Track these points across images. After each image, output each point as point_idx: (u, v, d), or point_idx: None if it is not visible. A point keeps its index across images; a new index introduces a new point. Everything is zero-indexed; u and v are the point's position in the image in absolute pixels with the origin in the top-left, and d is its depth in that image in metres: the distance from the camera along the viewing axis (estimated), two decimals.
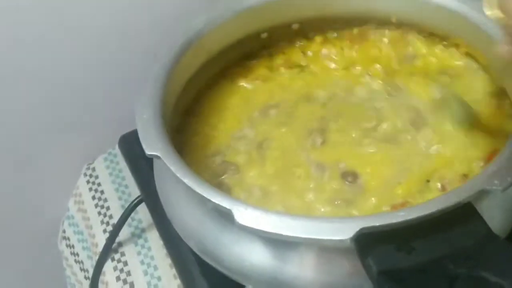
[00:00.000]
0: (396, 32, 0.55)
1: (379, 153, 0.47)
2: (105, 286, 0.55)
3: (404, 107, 0.50)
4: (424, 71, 0.53)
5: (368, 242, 0.35)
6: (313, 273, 0.39)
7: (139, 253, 0.56)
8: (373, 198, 0.44)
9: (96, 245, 0.58)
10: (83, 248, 0.62)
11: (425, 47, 0.54)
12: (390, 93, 0.52)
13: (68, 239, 0.65)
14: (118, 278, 0.55)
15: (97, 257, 0.57)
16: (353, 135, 0.49)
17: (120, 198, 0.61)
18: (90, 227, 0.60)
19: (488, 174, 0.37)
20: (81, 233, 0.63)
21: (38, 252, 0.74)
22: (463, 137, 0.47)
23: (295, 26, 0.56)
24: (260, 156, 0.48)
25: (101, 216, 0.60)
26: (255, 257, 0.40)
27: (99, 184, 0.63)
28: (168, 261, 0.54)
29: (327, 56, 0.56)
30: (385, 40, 0.56)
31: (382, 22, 0.56)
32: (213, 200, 0.38)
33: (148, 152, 0.41)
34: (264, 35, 0.56)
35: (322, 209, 0.44)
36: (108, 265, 0.56)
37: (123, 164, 0.63)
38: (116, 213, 0.59)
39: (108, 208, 0.60)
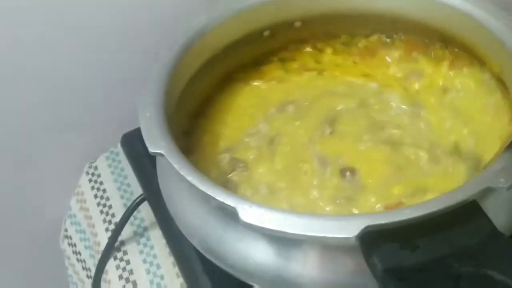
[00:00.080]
0: (403, 48, 0.55)
1: (380, 153, 0.47)
2: (107, 285, 0.55)
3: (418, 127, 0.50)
4: (430, 89, 0.52)
5: (372, 240, 0.35)
6: (317, 271, 0.39)
7: (141, 252, 0.56)
8: (372, 196, 0.44)
9: (99, 244, 0.58)
10: (85, 247, 0.62)
11: (430, 67, 0.54)
12: (408, 107, 0.51)
13: (70, 237, 0.65)
14: (120, 277, 0.55)
15: (99, 256, 0.57)
16: (361, 127, 0.49)
17: (122, 197, 0.61)
18: (92, 226, 0.60)
19: (493, 172, 0.37)
20: (83, 231, 0.63)
21: (40, 251, 0.74)
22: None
23: (297, 24, 0.56)
24: (270, 151, 0.48)
25: (103, 215, 0.60)
26: (259, 255, 0.40)
27: (101, 183, 0.63)
28: (171, 259, 0.54)
29: (342, 65, 0.56)
30: (393, 56, 0.55)
31: (387, 27, 0.55)
32: (218, 198, 0.38)
33: (152, 150, 0.41)
34: (267, 33, 0.56)
35: (327, 208, 0.44)
36: (111, 264, 0.56)
37: (125, 163, 0.62)
38: (119, 212, 0.59)
39: (110, 207, 0.60)
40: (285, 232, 0.36)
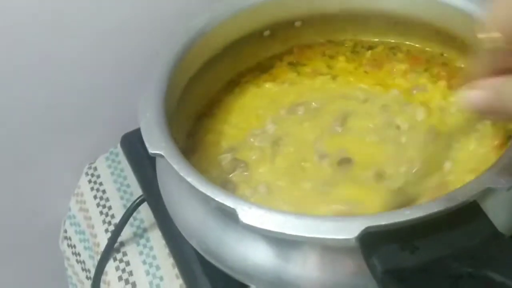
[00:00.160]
0: (407, 61, 0.55)
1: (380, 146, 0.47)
2: (107, 286, 0.55)
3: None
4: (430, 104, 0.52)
5: (372, 241, 0.35)
6: (316, 272, 0.39)
7: (141, 253, 0.56)
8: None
9: (98, 245, 0.58)
10: (85, 248, 0.62)
11: (431, 83, 0.53)
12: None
13: (70, 239, 0.65)
14: (120, 278, 0.55)
15: (98, 257, 0.57)
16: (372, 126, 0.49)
17: (122, 198, 0.61)
18: (92, 227, 0.60)
19: (494, 172, 0.37)
20: (82, 232, 0.63)
21: (39, 252, 0.74)
22: None
23: (298, 24, 0.56)
24: (273, 151, 0.48)
25: (103, 216, 0.60)
26: (258, 256, 0.39)
27: (100, 184, 0.63)
28: (171, 260, 0.54)
29: (354, 73, 0.56)
30: (399, 68, 0.55)
31: (389, 30, 0.56)
32: (217, 199, 0.38)
33: (151, 151, 0.41)
34: (267, 33, 0.56)
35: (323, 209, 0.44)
36: (110, 265, 0.56)
37: (124, 164, 0.62)
38: (118, 213, 0.59)
39: (110, 208, 0.60)
40: (284, 234, 0.35)
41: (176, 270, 0.53)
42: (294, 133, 0.50)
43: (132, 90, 0.46)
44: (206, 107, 0.54)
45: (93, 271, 0.57)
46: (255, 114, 0.52)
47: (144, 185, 0.57)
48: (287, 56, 0.57)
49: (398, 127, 0.49)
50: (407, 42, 0.56)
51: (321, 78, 0.55)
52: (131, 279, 0.54)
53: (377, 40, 0.57)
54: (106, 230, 0.59)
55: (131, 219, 0.56)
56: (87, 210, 0.62)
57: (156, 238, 0.56)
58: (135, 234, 0.57)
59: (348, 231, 0.35)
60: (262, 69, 0.56)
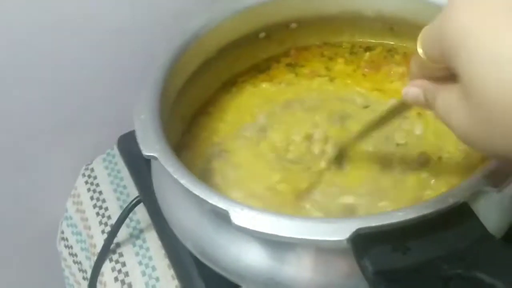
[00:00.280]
0: (404, 64, 0.55)
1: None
2: (103, 287, 0.55)
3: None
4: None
5: (364, 243, 0.35)
6: (309, 273, 0.39)
7: (137, 254, 0.56)
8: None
9: (95, 246, 0.59)
10: (82, 249, 0.62)
11: None
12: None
13: (67, 239, 0.65)
14: (116, 279, 0.55)
15: (95, 258, 0.57)
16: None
17: (118, 199, 0.61)
18: (89, 228, 0.60)
19: (484, 174, 0.37)
20: (79, 233, 0.63)
21: (36, 253, 0.75)
22: None
23: (293, 26, 0.57)
24: (259, 137, 0.50)
25: (100, 217, 0.60)
26: (251, 257, 0.40)
27: (97, 185, 0.63)
28: (167, 261, 0.54)
29: (352, 76, 0.56)
30: (396, 71, 0.55)
31: (384, 33, 0.56)
32: (210, 201, 0.38)
33: (146, 153, 0.42)
34: (262, 35, 0.56)
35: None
36: (106, 266, 0.56)
37: (121, 165, 0.63)
38: (115, 214, 0.59)
39: (106, 209, 0.60)
40: (276, 235, 0.36)
41: (172, 271, 0.53)
42: (285, 121, 0.50)
43: (129, 92, 0.47)
44: (202, 106, 0.54)
45: (89, 271, 0.58)
46: (249, 111, 0.53)
47: (140, 186, 0.57)
48: (284, 58, 0.58)
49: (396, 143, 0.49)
50: (403, 45, 0.57)
51: (318, 79, 0.55)
52: (127, 280, 0.54)
53: (374, 41, 0.58)
54: (103, 231, 0.59)
55: (127, 220, 0.56)
56: (84, 211, 0.62)
57: (152, 239, 0.56)
58: (131, 235, 0.57)
59: (339, 232, 0.35)
60: (259, 69, 0.57)
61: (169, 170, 0.40)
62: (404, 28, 0.55)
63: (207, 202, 0.38)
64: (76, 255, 0.63)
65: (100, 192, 0.62)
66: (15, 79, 0.63)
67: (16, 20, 0.59)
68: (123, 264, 0.55)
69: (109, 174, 0.63)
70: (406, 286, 0.34)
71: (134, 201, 0.55)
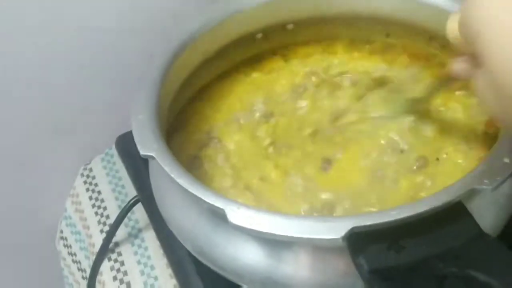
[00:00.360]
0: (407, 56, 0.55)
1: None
2: (101, 286, 0.56)
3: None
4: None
5: (359, 241, 0.35)
6: (306, 272, 0.39)
7: (135, 253, 0.56)
8: None
9: (93, 245, 0.59)
10: (81, 248, 0.63)
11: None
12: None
13: (66, 239, 0.65)
14: (115, 278, 0.55)
15: (94, 257, 0.57)
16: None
17: (117, 198, 0.61)
18: (87, 227, 0.61)
19: (478, 173, 0.37)
20: (78, 233, 0.63)
21: (36, 252, 0.75)
22: None
23: (290, 27, 0.57)
24: (256, 124, 0.50)
25: (98, 216, 0.60)
26: (248, 256, 0.40)
27: (96, 185, 0.63)
28: (165, 261, 0.54)
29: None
30: (400, 61, 0.55)
31: (381, 33, 0.56)
32: (207, 200, 0.38)
33: (143, 152, 0.42)
34: (259, 36, 0.56)
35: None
36: (105, 265, 0.56)
37: (120, 165, 0.63)
38: (113, 213, 0.59)
39: (105, 209, 0.61)
40: (272, 234, 0.36)
41: (170, 270, 0.53)
42: (287, 110, 0.51)
43: (127, 92, 0.47)
44: (197, 92, 0.54)
45: (88, 271, 0.58)
46: (240, 99, 0.53)
47: (139, 185, 0.57)
48: (281, 50, 0.58)
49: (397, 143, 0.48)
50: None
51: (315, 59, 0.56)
52: (125, 279, 0.55)
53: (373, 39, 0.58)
54: (101, 231, 0.59)
55: (125, 220, 0.57)
56: (82, 211, 0.62)
57: (150, 238, 0.56)
58: (130, 234, 0.58)
59: (335, 231, 0.35)
60: (255, 59, 0.57)
61: (166, 169, 0.40)
62: (400, 33, 0.55)
63: (204, 201, 0.38)
64: (75, 254, 0.63)
65: (99, 192, 0.62)
66: (14, 79, 0.63)
67: (16, 20, 0.59)
68: (122, 263, 0.56)
69: (107, 174, 0.64)
70: (401, 284, 0.34)
71: (132, 201, 0.56)
